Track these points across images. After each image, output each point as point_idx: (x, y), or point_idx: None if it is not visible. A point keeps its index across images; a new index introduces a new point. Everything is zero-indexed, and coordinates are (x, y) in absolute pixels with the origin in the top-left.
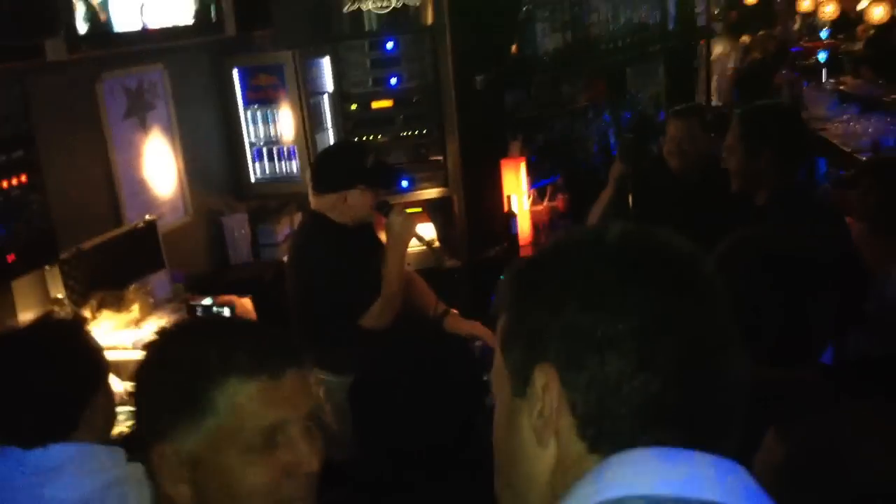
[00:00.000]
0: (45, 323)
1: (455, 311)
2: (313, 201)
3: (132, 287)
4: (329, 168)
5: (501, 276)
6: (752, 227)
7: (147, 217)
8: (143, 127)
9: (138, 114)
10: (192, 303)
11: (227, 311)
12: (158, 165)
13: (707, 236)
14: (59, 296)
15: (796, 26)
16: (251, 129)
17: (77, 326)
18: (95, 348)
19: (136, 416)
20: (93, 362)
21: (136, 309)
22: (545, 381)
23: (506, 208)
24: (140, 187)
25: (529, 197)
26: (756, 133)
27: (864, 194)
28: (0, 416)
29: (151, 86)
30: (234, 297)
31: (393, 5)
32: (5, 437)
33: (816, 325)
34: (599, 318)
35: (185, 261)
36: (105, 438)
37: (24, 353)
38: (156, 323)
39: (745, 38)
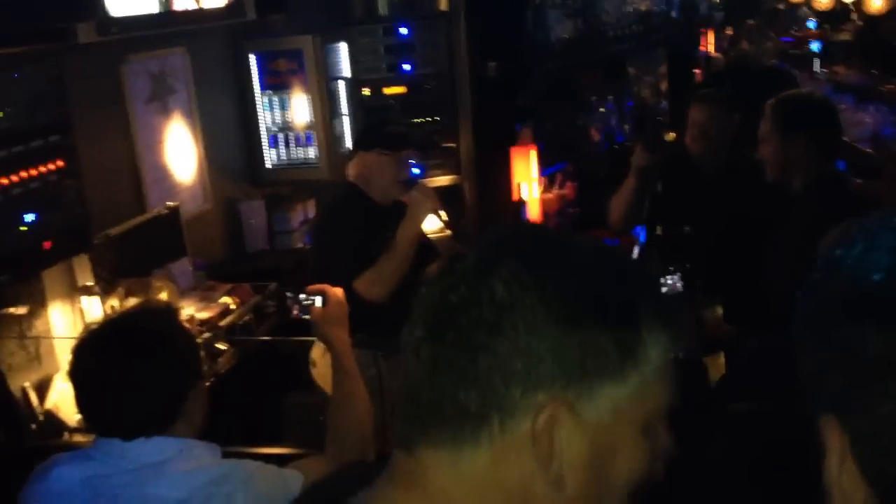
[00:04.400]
0: (145, 310)
1: None
2: (349, 171)
3: (158, 275)
4: (358, 133)
5: None
6: None
7: (169, 204)
8: (165, 112)
9: (160, 98)
10: (287, 291)
11: (319, 301)
12: (179, 151)
13: (740, 225)
14: (88, 283)
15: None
16: (267, 114)
17: (175, 314)
18: (193, 338)
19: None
20: (193, 352)
21: (164, 297)
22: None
23: (516, 196)
24: (162, 173)
25: (540, 185)
26: (792, 122)
27: (893, 182)
28: (103, 407)
29: (173, 70)
30: (326, 287)
31: None
32: (105, 429)
33: None
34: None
35: (202, 248)
36: (198, 433)
37: (128, 340)
38: (184, 311)
39: (730, 30)
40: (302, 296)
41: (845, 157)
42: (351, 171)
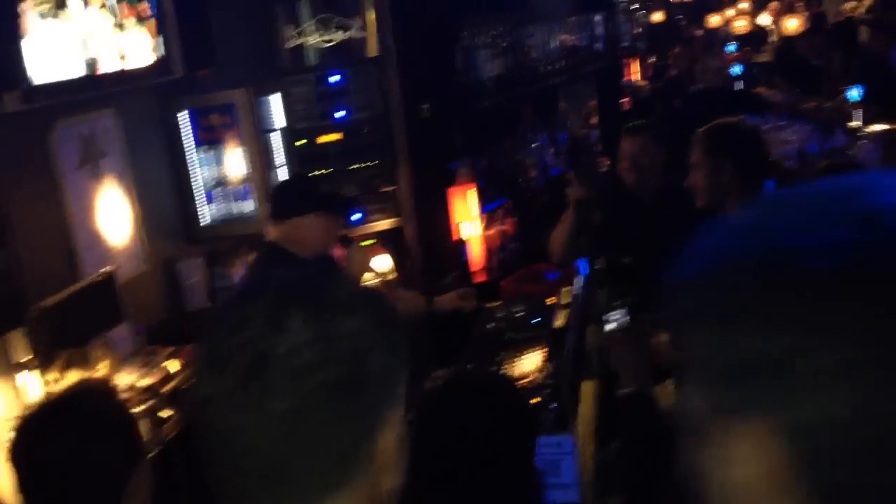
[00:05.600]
0: (82, 390)
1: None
2: (271, 233)
3: (96, 344)
4: (285, 196)
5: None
6: None
7: (103, 270)
8: (97, 175)
9: (91, 162)
10: None
11: None
12: (113, 214)
13: (676, 251)
14: (25, 359)
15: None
16: (202, 170)
17: (113, 392)
18: (131, 415)
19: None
20: (133, 431)
21: (103, 366)
22: None
23: (456, 236)
24: (96, 238)
25: (482, 222)
26: (719, 149)
27: None
28: (43, 492)
29: (103, 132)
30: None
31: (338, 39)
32: None
33: None
34: None
35: (141, 311)
36: None
37: (65, 424)
38: (124, 380)
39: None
40: None
41: (774, 176)
42: (278, 234)
